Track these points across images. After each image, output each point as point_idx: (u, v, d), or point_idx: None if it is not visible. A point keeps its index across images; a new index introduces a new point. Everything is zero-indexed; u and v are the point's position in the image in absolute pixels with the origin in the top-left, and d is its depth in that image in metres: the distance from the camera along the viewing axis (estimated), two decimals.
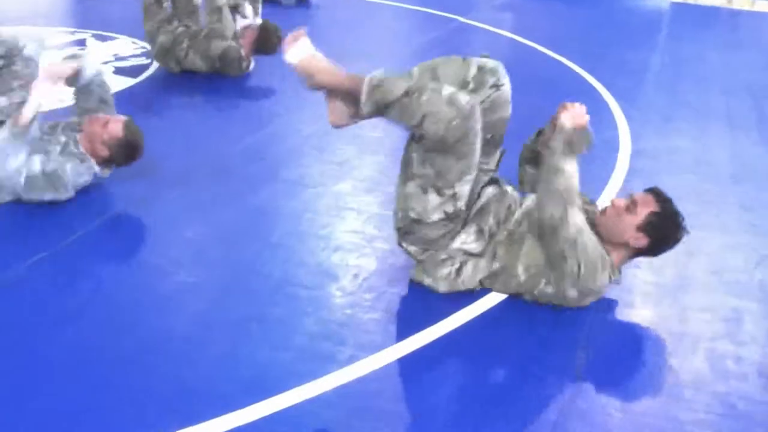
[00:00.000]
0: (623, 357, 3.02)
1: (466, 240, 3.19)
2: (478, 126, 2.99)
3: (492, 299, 3.26)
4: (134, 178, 4.17)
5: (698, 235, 3.96)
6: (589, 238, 3.06)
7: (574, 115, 3.13)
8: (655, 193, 3.17)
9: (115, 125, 3.83)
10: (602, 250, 3.10)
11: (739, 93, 6.63)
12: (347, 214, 3.96)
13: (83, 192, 3.95)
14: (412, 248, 3.25)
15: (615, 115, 5.70)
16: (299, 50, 3.11)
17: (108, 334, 2.93)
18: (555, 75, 6.78)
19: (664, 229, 3.14)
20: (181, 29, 6.02)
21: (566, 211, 3.01)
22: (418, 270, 3.28)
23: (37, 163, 3.71)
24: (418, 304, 3.24)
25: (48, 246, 3.49)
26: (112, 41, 6.90)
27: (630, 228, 3.12)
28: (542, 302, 3.21)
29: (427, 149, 3.02)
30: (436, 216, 3.11)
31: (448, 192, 3.07)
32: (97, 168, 3.90)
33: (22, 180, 3.69)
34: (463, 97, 2.94)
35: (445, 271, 3.22)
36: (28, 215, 3.76)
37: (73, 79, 3.96)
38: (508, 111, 3.24)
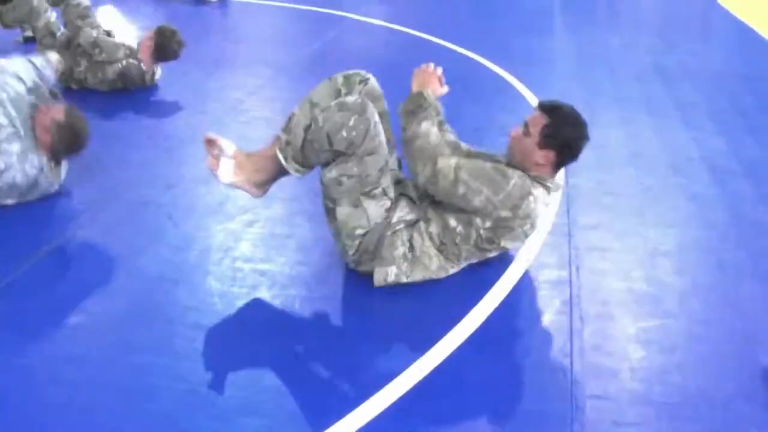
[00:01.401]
0: (621, 384, 2.76)
1: (401, 213, 3.19)
2: (376, 117, 3.08)
3: (458, 336, 2.95)
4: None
5: (654, 232, 3.85)
6: (472, 166, 3.13)
7: (422, 79, 3.37)
8: (541, 106, 3.22)
9: (57, 110, 3.85)
10: (493, 166, 3.14)
11: (650, 77, 6.57)
12: (286, 243, 3.58)
13: None
14: (374, 265, 3.19)
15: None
16: (225, 169, 3.26)
17: None
18: (466, 71, 6.50)
19: (562, 135, 3.17)
20: (79, 51, 5.55)
21: (434, 164, 3.12)
22: (377, 272, 3.17)
23: None
24: (376, 360, 2.91)
25: None
26: None
27: (533, 149, 3.16)
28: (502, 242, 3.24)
29: (340, 162, 3.07)
30: (380, 218, 3.13)
31: (377, 191, 3.12)
32: (43, 158, 3.79)
33: None
34: (350, 98, 3.08)
35: (400, 251, 3.15)
36: None
37: None
38: (383, 105, 3.42)
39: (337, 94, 3.35)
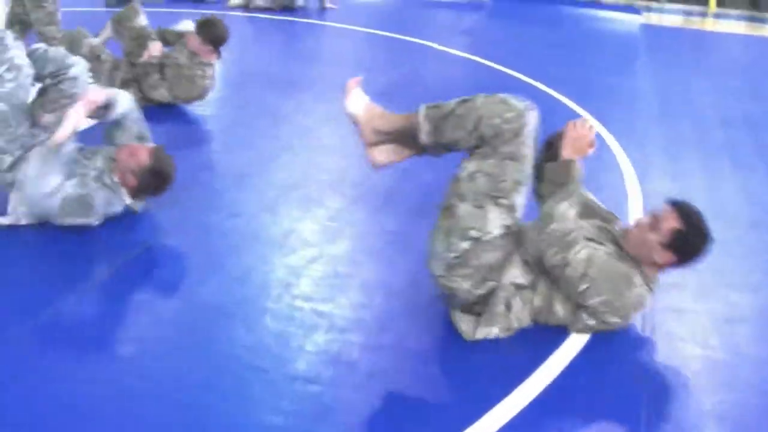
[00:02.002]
0: None
1: (515, 273, 3.07)
2: (532, 127, 2.99)
3: (522, 397, 2.78)
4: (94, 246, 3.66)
5: (734, 294, 3.65)
6: (603, 264, 3.02)
7: (576, 145, 3.30)
8: (677, 207, 3.12)
9: (143, 153, 3.73)
10: (623, 268, 3.05)
11: (736, 125, 6.32)
12: (348, 283, 3.47)
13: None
14: (463, 284, 3.01)
15: (615, 153, 5.31)
16: (356, 100, 3.18)
17: None
18: (544, 108, 6.28)
19: (690, 244, 3.11)
20: (135, 70, 5.63)
21: (566, 254, 3.00)
22: (478, 330, 3.06)
23: (71, 187, 3.63)
24: (434, 419, 2.77)
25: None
26: None
27: (656, 247, 3.07)
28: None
29: (481, 156, 2.99)
30: (496, 230, 2.98)
31: (505, 202, 2.99)
32: (127, 200, 3.80)
33: (58, 202, 3.60)
34: (516, 99, 3.01)
35: (499, 309, 3.05)
36: None
37: (103, 112, 3.88)
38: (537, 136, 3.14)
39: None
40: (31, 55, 3.85)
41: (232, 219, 4.01)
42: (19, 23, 6.06)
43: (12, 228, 3.68)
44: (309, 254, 3.68)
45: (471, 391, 2.82)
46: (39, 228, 3.70)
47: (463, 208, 2.99)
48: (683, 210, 3.11)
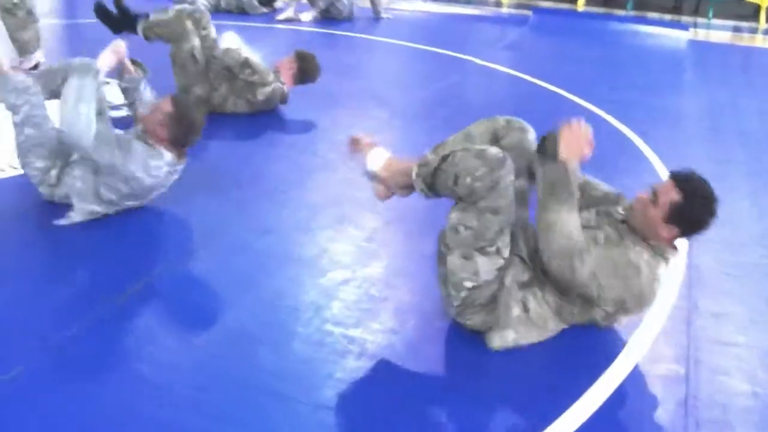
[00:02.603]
0: None
1: (514, 273, 3.07)
2: (510, 177, 2.90)
3: (566, 423, 2.67)
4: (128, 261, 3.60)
5: None
6: (606, 265, 2.95)
7: (572, 145, 3.05)
8: (675, 178, 3.05)
9: (164, 104, 3.89)
10: (625, 257, 2.97)
11: None
12: (381, 307, 3.37)
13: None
14: (476, 319, 3.07)
15: (659, 173, 5.17)
16: (377, 156, 3.20)
17: None
18: None
19: (691, 215, 3.03)
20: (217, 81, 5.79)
21: (572, 269, 2.94)
22: (493, 336, 3.06)
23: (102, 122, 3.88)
24: None
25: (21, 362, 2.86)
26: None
27: (658, 222, 3.04)
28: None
29: (461, 208, 2.95)
30: (490, 276, 2.99)
31: (491, 249, 2.96)
32: (168, 155, 3.88)
33: (93, 130, 3.67)
34: (492, 150, 2.92)
35: (515, 312, 3.05)
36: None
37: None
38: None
39: (495, 134, 3.36)
40: (41, 77, 4.06)
41: (264, 237, 3.93)
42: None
43: (44, 242, 3.69)
44: (342, 276, 3.58)
45: (502, 424, 2.71)
46: (67, 242, 3.68)
47: (452, 260, 2.99)
48: (682, 180, 3.04)
